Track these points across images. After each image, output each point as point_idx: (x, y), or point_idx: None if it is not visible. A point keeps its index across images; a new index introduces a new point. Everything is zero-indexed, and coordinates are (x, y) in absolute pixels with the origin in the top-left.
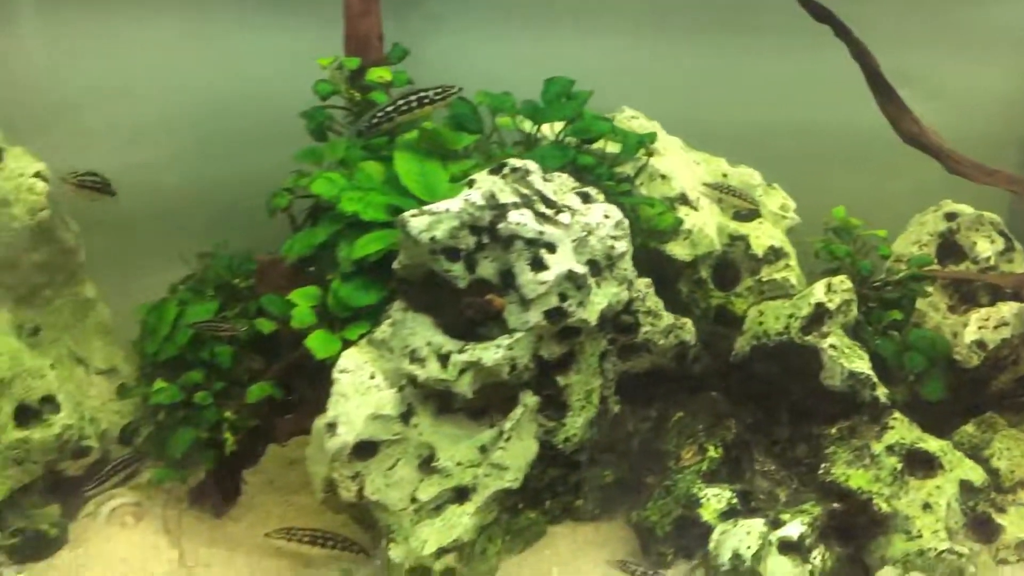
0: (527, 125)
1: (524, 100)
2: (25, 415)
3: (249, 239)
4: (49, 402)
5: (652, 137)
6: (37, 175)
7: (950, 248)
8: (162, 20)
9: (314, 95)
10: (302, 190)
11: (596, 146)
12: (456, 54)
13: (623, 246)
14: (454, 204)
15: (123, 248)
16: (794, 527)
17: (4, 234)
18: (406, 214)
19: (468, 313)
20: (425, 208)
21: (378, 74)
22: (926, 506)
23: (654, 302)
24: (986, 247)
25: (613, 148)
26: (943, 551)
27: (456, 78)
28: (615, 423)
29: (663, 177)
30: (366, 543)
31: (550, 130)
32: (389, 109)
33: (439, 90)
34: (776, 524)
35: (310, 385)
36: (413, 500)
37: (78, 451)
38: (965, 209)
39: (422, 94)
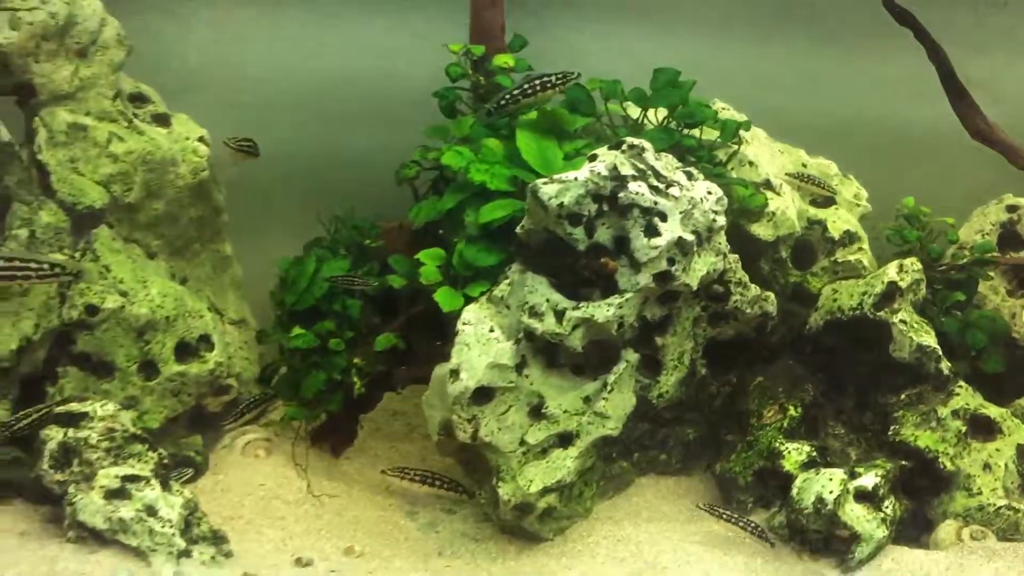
0: (633, 110)
1: (632, 87)
2: (184, 351)
3: (372, 207)
4: (205, 341)
5: (747, 125)
6: (200, 139)
7: (1010, 237)
8: (306, 11)
9: (434, 80)
10: (428, 162)
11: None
12: (564, 45)
13: (721, 220)
14: (581, 174)
15: (255, 212)
16: (869, 478)
17: (170, 190)
18: (538, 181)
19: (584, 274)
20: (555, 176)
21: (503, 60)
22: (986, 466)
23: (743, 275)
24: None
25: (708, 135)
26: (1001, 507)
27: (563, 66)
28: (700, 385)
29: (751, 164)
30: (468, 485)
31: (653, 116)
32: (515, 92)
33: (560, 76)
34: (852, 476)
35: (424, 339)
36: (522, 443)
37: (220, 388)
38: None
39: (545, 79)
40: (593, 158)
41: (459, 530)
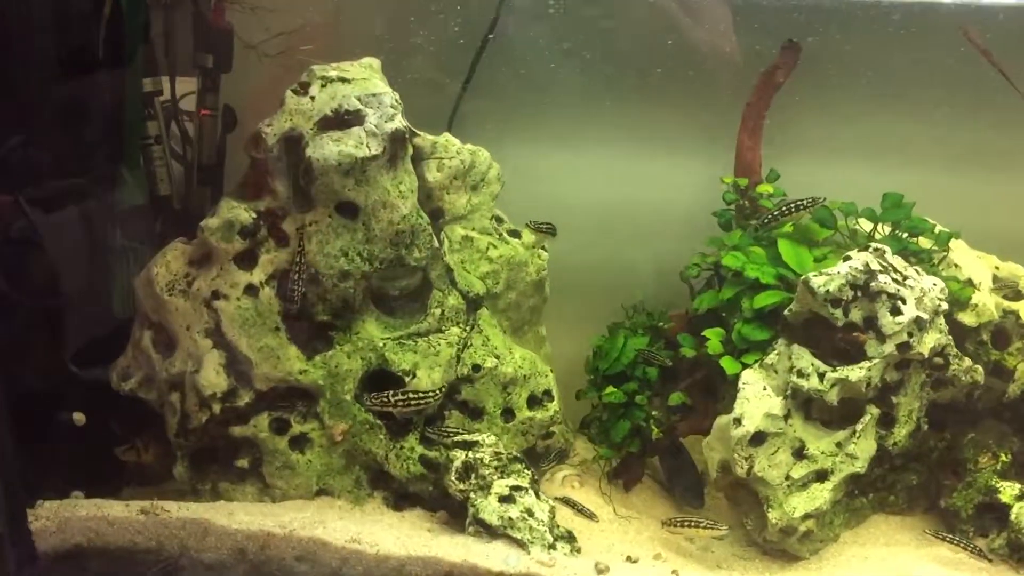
0: (863, 224)
1: (863, 207)
2: (532, 401)
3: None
4: (547, 394)
5: (957, 235)
6: (542, 248)
7: None
8: (603, 153)
9: (693, 204)
10: (706, 264)
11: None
12: (801, 175)
13: (945, 306)
14: (842, 268)
15: (558, 305)
16: None
17: (520, 284)
18: (809, 275)
19: (840, 345)
20: (823, 271)
21: (766, 189)
22: None
23: (957, 351)
24: None
25: (923, 243)
26: None
27: (801, 191)
28: (922, 438)
29: (956, 265)
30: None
31: (881, 229)
32: (776, 213)
33: (810, 200)
34: None
35: (701, 399)
36: (787, 478)
37: (548, 433)
38: None
39: (799, 202)
40: (847, 258)
41: (729, 551)
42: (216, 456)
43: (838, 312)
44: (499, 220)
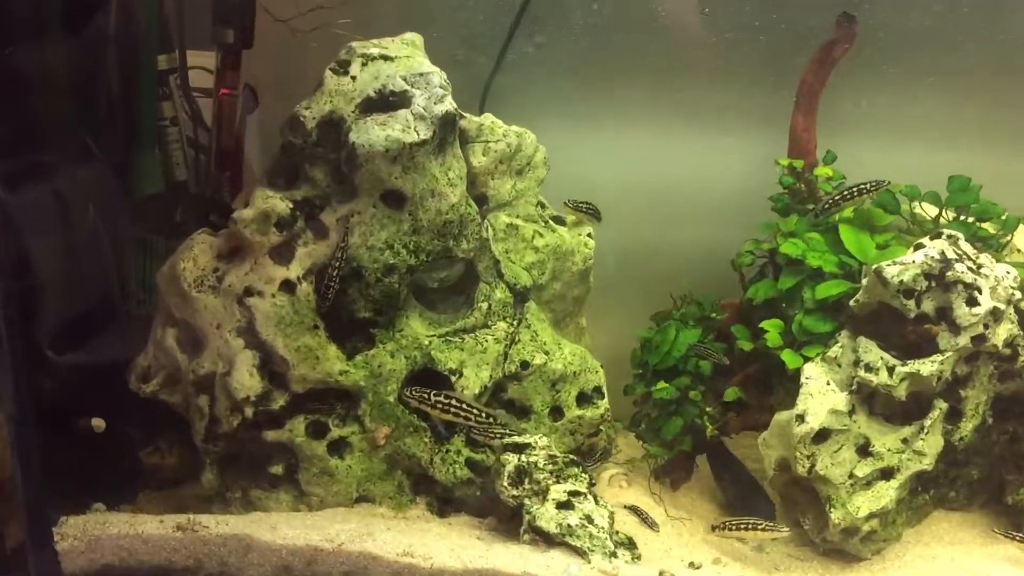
0: (928, 209)
1: (927, 191)
2: (582, 399)
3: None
4: (597, 391)
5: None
6: (588, 235)
7: None
8: (644, 131)
9: (737, 187)
10: (760, 252)
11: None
12: (852, 157)
13: (1018, 295)
14: (917, 257)
15: (594, 293)
16: None
17: (566, 275)
18: (882, 263)
19: (911, 338)
20: (896, 260)
21: (824, 172)
22: None
23: None
24: None
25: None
26: None
27: (855, 174)
28: (986, 432)
29: (1019, 251)
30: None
31: (945, 214)
32: (837, 197)
33: (873, 183)
34: None
35: (754, 394)
36: (850, 476)
37: (595, 432)
38: None
39: (861, 186)
40: (919, 246)
41: (784, 552)
42: (247, 462)
43: (911, 303)
44: (541, 205)
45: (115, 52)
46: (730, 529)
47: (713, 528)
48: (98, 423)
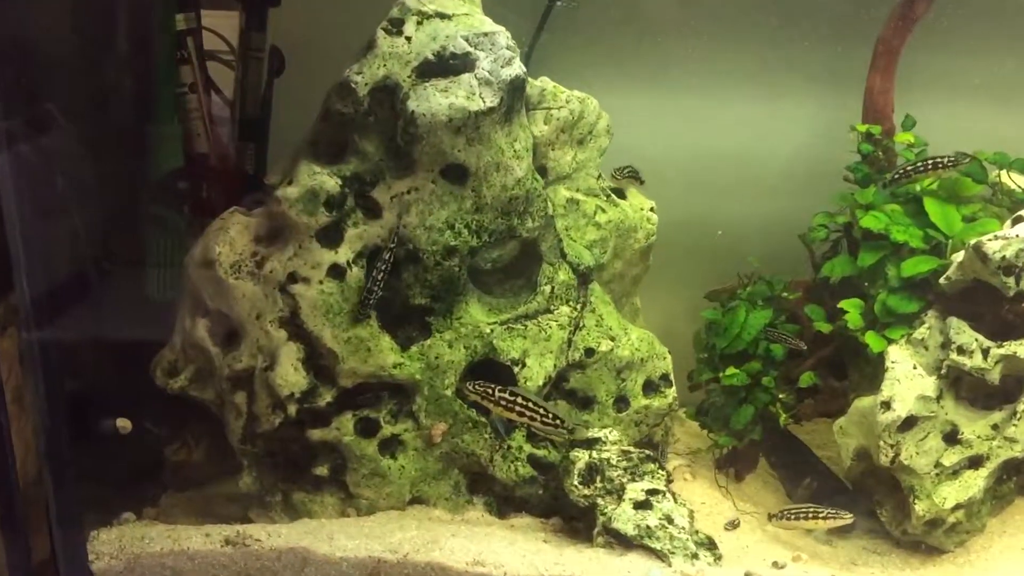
0: (1018, 179)
1: (1015, 158)
2: (648, 388)
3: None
4: (665, 379)
5: None
6: (651, 210)
7: None
8: (699, 97)
9: (795, 154)
10: (835, 225)
11: None
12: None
13: None
14: (1020, 231)
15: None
16: None
17: (628, 252)
18: (983, 238)
19: (1009, 317)
20: (998, 234)
21: (905, 138)
22: None
23: None
24: None
25: None
26: None
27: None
28: None
29: None
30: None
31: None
32: (909, 168)
33: (952, 158)
34: None
35: (828, 378)
36: (937, 465)
37: (660, 422)
38: None
39: (938, 159)
40: (1019, 219)
41: (859, 545)
42: (287, 462)
43: (1011, 281)
44: (600, 178)
45: (128, 9)
46: (789, 518)
47: (770, 517)
48: (123, 424)
